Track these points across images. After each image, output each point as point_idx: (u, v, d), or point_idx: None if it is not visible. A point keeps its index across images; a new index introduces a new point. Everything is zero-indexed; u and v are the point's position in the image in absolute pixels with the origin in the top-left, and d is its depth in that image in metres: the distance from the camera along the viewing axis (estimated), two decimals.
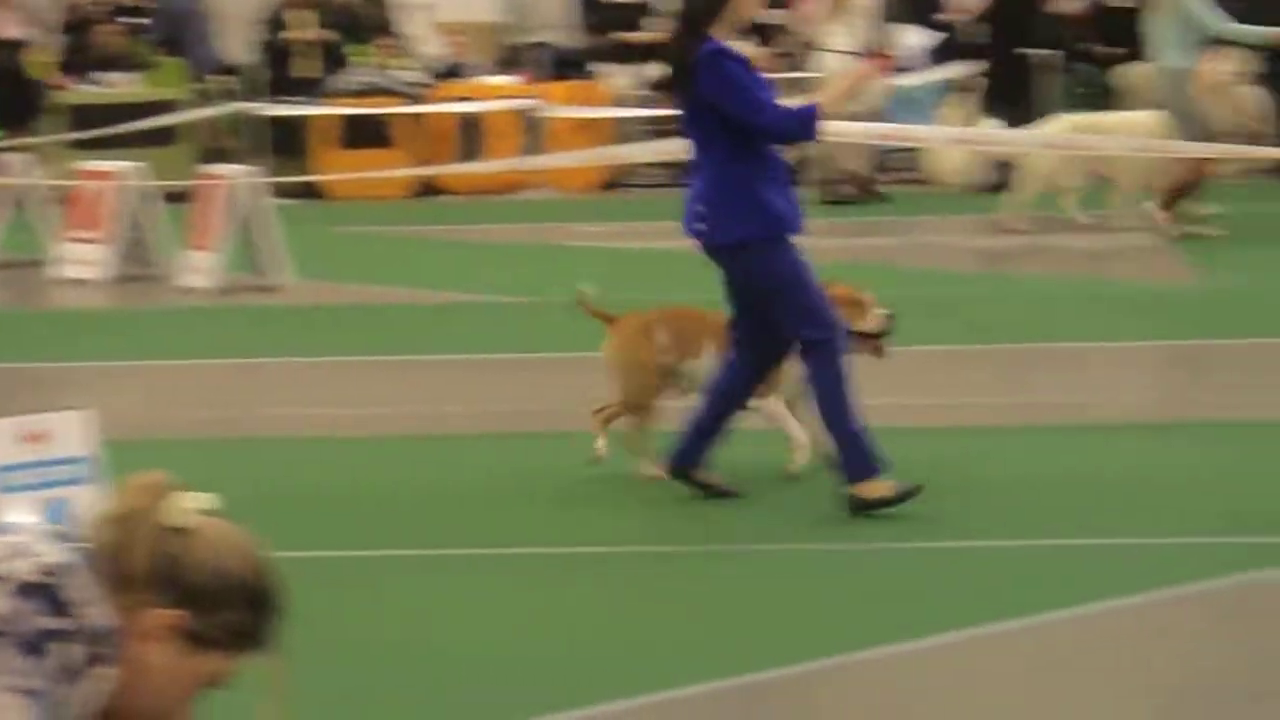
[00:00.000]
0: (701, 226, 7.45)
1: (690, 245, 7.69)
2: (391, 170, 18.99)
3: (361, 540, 7.46)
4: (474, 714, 5.60)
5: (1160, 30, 15.81)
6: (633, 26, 20.73)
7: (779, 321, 7.45)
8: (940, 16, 20.46)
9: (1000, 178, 17.29)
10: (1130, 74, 19.26)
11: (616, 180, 20.56)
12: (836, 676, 5.94)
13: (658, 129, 18.50)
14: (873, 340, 8.02)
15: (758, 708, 5.75)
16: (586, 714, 5.51)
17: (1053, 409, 9.58)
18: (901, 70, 19.43)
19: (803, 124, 7.43)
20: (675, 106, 7.72)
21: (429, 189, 20.15)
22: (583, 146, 18.77)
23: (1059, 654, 6.08)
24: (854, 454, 7.36)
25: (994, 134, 15.76)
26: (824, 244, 15.39)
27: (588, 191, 20.33)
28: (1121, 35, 19.04)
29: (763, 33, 19.93)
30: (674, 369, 8.17)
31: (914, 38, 20.09)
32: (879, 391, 8.01)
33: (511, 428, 9.43)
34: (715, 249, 7.50)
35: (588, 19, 21.45)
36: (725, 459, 7.87)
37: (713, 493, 7.74)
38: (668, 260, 14.63)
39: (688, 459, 7.72)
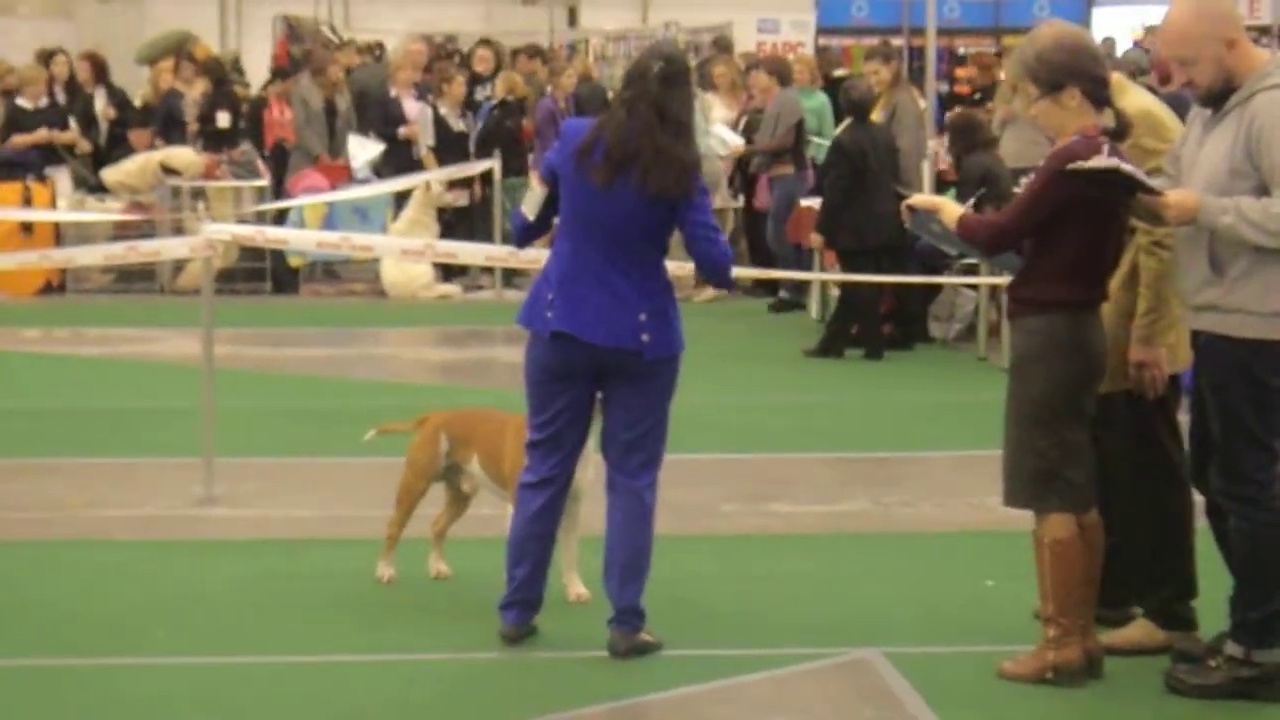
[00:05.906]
0: (646, 338, 7.07)
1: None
2: None
3: None
4: None
5: None
6: (63, 126, 19.97)
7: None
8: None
9: None
10: None
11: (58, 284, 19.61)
12: None
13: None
14: None
15: None
16: None
17: None
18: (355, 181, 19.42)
19: None
20: (611, 205, 6.98)
21: None
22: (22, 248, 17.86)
23: None
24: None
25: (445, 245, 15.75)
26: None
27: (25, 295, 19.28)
28: None
29: None
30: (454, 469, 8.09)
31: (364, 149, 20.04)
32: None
33: None
34: (656, 360, 7.12)
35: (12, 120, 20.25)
36: None
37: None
38: (117, 368, 14.22)
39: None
